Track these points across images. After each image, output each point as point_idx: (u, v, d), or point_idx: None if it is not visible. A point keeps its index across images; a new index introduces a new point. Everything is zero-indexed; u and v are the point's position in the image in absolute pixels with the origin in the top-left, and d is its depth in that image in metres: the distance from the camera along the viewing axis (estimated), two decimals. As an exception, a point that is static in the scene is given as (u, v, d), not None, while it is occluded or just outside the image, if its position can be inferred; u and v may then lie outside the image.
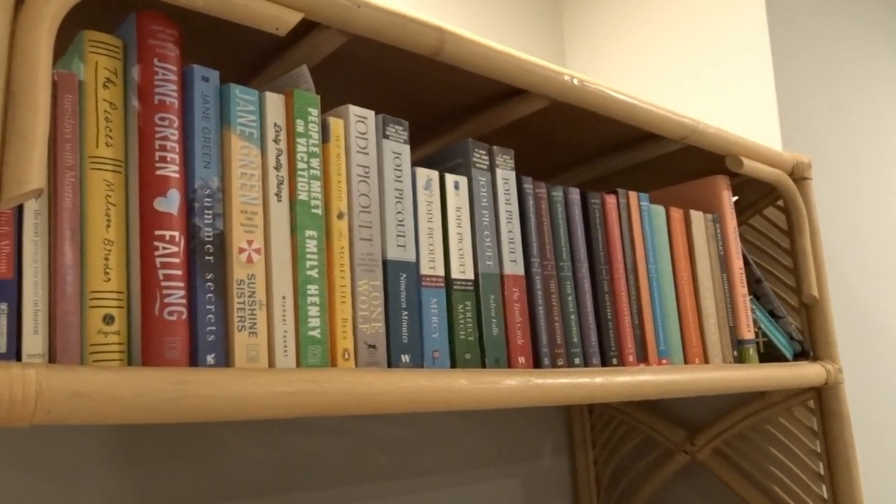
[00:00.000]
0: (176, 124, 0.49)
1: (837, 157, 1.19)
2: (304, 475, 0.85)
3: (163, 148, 0.48)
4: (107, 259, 0.46)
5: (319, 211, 0.55)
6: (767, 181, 0.93)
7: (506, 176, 0.69)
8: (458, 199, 0.65)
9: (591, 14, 1.36)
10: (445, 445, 0.99)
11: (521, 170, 0.96)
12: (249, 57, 0.63)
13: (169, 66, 0.49)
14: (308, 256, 0.53)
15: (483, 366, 0.63)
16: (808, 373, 0.88)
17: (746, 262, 0.95)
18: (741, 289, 0.89)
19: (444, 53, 0.62)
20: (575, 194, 0.75)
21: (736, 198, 1.05)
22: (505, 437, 1.07)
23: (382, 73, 0.68)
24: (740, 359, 0.87)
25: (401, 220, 0.60)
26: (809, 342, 0.95)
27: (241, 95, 0.52)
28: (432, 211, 0.63)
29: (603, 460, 1.14)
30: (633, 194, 0.81)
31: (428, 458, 0.97)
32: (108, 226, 0.46)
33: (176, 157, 0.48)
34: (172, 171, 0.48)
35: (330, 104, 0.72)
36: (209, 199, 0.50)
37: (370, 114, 0.59)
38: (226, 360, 0.49)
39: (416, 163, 0.68)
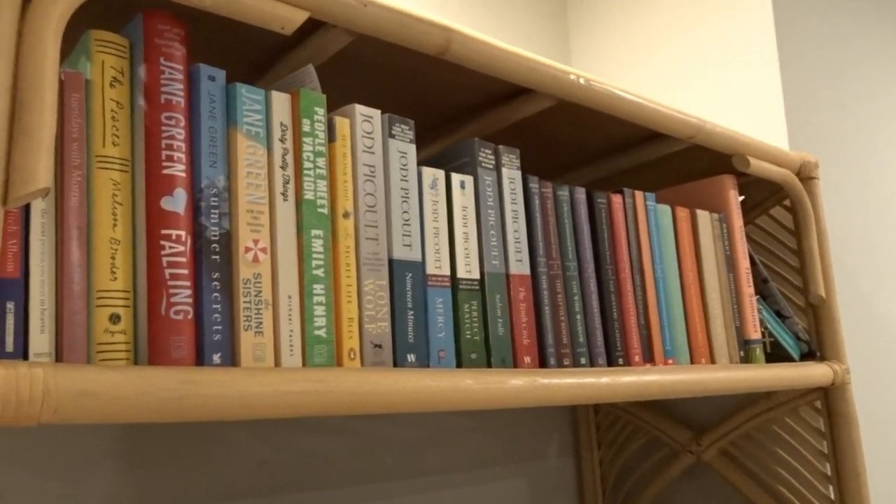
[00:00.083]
0: (182, 123, 0.49)
1: (844, 157, 1.19)
2: (309, 475, 0.85)
3: (169, 147, 0.48)
4: (113, 258, 0.46)
5: (325, 210, 0.55)
6: (774, 181, 0.92)
7: (512, 175, 0.69)
8: (464, 199, 0.65)
9: (597, 14, 1.35)
10: (451, 445, 0.99)
11: (526, 169, 0.95)
12: (256, 56, 0.63)
13: (175, 66, 0.49)
14: (314, 256, 0.53)
15: (489, 365, 0.63)
16: (814, 373, 0.88)
17: (753, 262, 0.94)
18: (748, 289, 0.88)
19: (450, 53, 0.61)
20: (581, 194, 0.75)
21: (742, 197, 1.05)
22: (510, 437, 1.07)
23: (388, 72, 0.67)
24: (747, 359, 0.86)
25: (407, 220, 0.60)
26: (816, 342, 0.95)
27: (248, 95, 0.52)
28: (438, 210, 0.62)
29: (608, 460, 1.14)
30: (639, 194, 0.81)
31: (433, 457, 0.97)
32: (115, 225, 0.46)
33: (182, 156, 0.48)
34: (179, 170, 0.48)
35: (336, 103, 0.72)
36: (215, 199, 0.50)
37: (376, 113, 0.59)
38: (232, 359, 0.49)
39: (422, 162, 0.68)
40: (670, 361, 0.79)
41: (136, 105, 0.49)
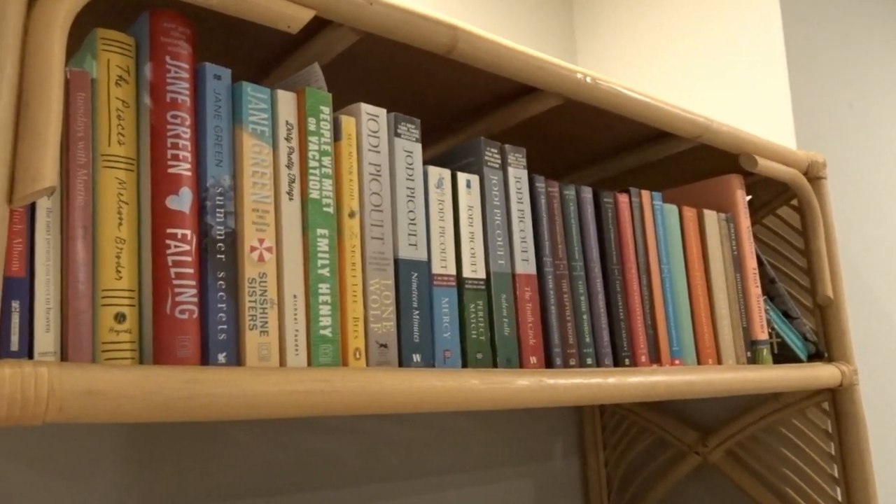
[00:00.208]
0: (188, 122, 0.49)
1: (853, 156, 1.18)
2: (313, 474, 0.85)
3: (175, 146, 0.48)
4: (119, 257, 0.46)
5: (331, 209, 0.54)
6: (782, 180, 0.92)
7: (518, 175, 0.68)
8: (469, 198, 0.64)
9: (603, 13, 1.35)
10: (456, 445, 0.99)
11: (533, 168, 0.95)
12: (261, 55, 0.63)
13: (181, 64, 0.49)
14: (319, 255, 0.53)
15: (494, 365, 0.62)
16: (822, 374, 0.87)
17: (760, 263, 0.94)
18: (755, 289, 0.88)
19: (456, 51, 0.61)
20: (587, 193, 0.75)
21: (750, 197, 1.05)
22: (516, 438, 1.07)
23: (394, 71, 0.67)
24: (754, 360, 0.86)
25: (412, 219, 0.59)
26: (824, 343, 0.94)
27: (253, 93, 0.52)
28: (444, 210, 0.62)
29: (614, 461, 1.13)
30: (645, 193, 0.80)
31: (438, 458, 0.97)
32: (121, 224, 0.46)
33: (188, 155, 0.48)
34: (184, 169, 0.48)
35: (342, 102, 0.71)
36: (221, 198, 0.49)
37: (382, 112, 0.59)
38: (237, 358, 0.48)
39: (427, 161, 0.68)
40: (677, 362, 0.78)
41: (141, 104, 0.49)
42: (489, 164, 0.67)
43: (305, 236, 0.53)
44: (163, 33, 0.49)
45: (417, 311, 0.58)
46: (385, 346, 0.55)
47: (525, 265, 0.67)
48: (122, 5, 0.54)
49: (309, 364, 0.51)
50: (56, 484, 0.68)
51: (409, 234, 0.59)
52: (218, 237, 0.49)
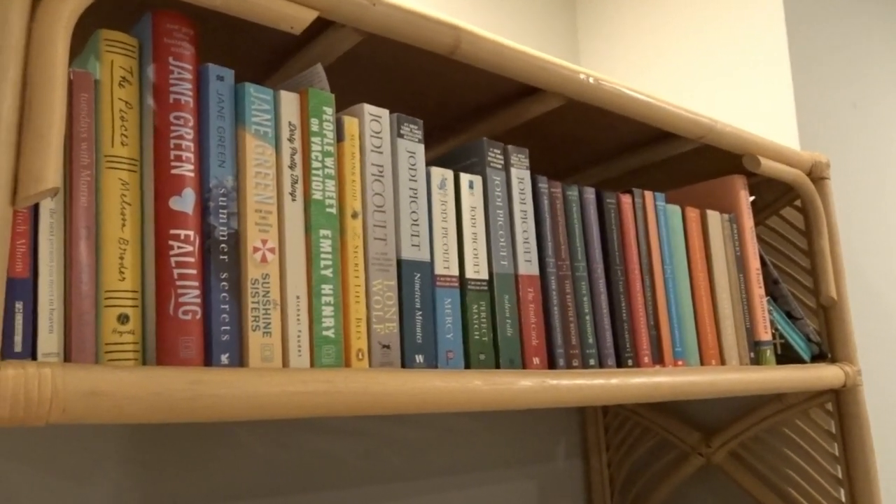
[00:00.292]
0: (191, 123, 0.49)
1: (856, 157, 1.18)
2: (316, 475, 0.85)
3: (178, 147, 0.48)
4: (122, 258, 0.46)
5: (334, 210, 0.54)
6: (785, 181, 0.92)
7: (521, 175, 0.68)
8: (472, 199, 0.64)
9: (606, 13, 1.35)
10: (458, 446, 0.99)
11: (535, 169, 0.95)
12: (264, 56, 0.63)
13: (184, 65, 0.49)
14: (322, 256, 0.53)
15: (497, 366, 0.62)
16: (825, 375, 0.87)
17: (763, 263, 0.94)
18: (758, 290, 0.88)
19: (459, 52, 0.61)
20: (590, 194, 0.74)
21: (753, 198, 1.04)
22: (518, 439, 1.06)
23: (397, 71, 0.67)
24: (757, 360, 0.86)
25: (415, 220, 0.59)
26: (827, 344, 0.94)
27: (256, 94, 0.52)
28: (447, 210, 0.62)
29: (617, 462, 1.13)
30: (648, 194, 0.80)
31: (441, 459, 0.97)
32: (124, 225, 0.46)
33: (191, 156, 0.48)
34: (187, 170, 0.48)
35: (344, 103, 0.71)
36: (224, 199, 0.49)
37: (385, 113, 0.59)
38: (240, 359, 0.48)
39: (430, 162, 0.68)
40: (680, 363, 0.78)
41: (144, 105, 0.49)
42: (492, 164, 0.67)
43: (308, 237, 0.53)
44: (166, 34, 0.49)
45: (420, 312, 0.58)
46: (388, 346, 0.55)
47: (528, 266, 0.67)
48: (125, 6, 0.54)
49: (312, 365, 0.51)
50: (59, 484, 0.68)
51: (412, 235, 0.59)
52: (221, 238, 0.49)
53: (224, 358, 0.47)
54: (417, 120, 0.61)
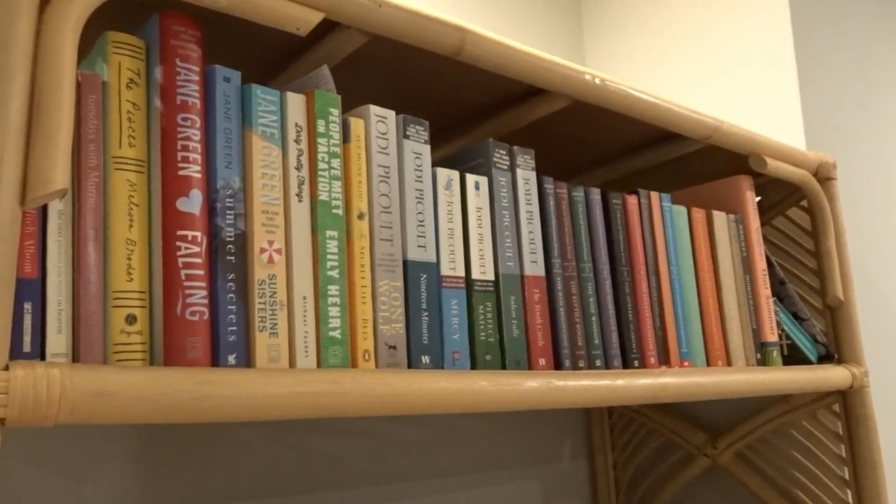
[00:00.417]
0: (198, 124, 0.49)
1: (863, 157, 1.17)
2: (322, 476, 0.85)
3: (185, 148, 0.48)
4: (129, 259, 0.46)
5: (340, 211, 0.55)
6: (791, 181, 0.91)
7: (526, 176, 0.68)
8: (478, 200, 0.64)
9: (611, 13, 1.35)
10: (464, 447, 0.99)
11: (541, 170, 0.95)
12: (270, 57, 0.63)
13: (191, 67, 0.49)
14: (329, 257, 0.53)
15: (503, 367, 0.62)
16: (832, 376, 0.87)
17: (770, 264, 0.93)
18: (764, 290, 0.87)
19: (464, 53, 0.61)
20: (596, 194, 0.74)
21: (759, 198, 1.04)
22: (524, 440, 1.06)
23: (403, 72, 0.67)
24: (763, 361, 0.85)
25: (421, 221, 0.59)
26: (834, 345, 0.94)
27: (263, 96, 0.52)
28: (453, 211, 0.62)
29: (622, 463, 1.13)
30: (654, 194, 0.80)
31: (446, 459, 0.97)
32: (131, 226, 0.46)
33: (198, 157, 0.49)
34: (194, 171, 0.48)
35: (350, 104, 0.72)
36: (231, 200, 0.50)
37: (391, 114, 0.59)
38: (247, 360, 0.49)
39: (436, 163, 0.68)
40: (686, 364, 0.78)
41: (152, 106, 0.49)
42: (498, 165, 0.67)
43: (315, 238, 0.53)
44: (173, 36, 0.49)
45: (426, 313, 0.58)
46: (394, 347, 0.55)
47: (534, 267, 0.67)
48: (132, 8, 0.54)
49: (318, 365, 0.51)
50: (65, 484, 0.69)
51: (418, 236, 0.59)
52: (228, 239, 0.49)
53: (231, 358, 0.48)
54: (423, 121, 0.61)
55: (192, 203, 0.48)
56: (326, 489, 0.85)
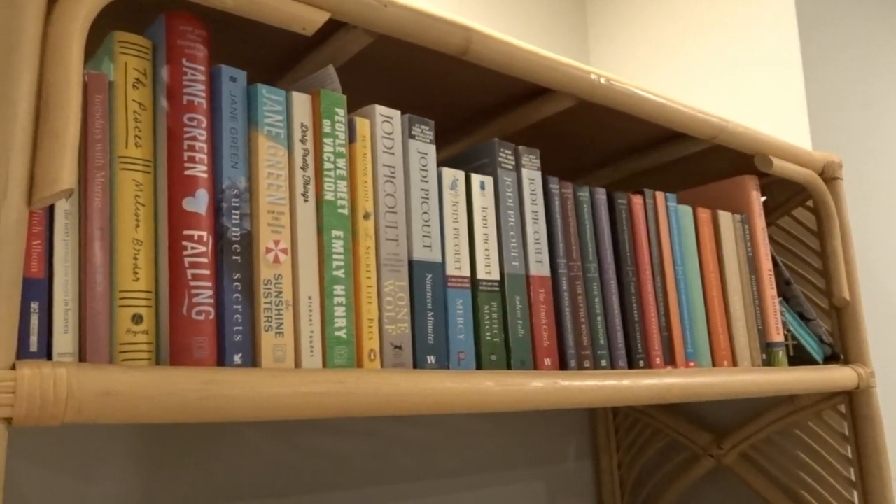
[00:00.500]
0: (204, 124, 0.49)
1: (869, 157, 1.17)
2: (327, 476, 0.85)
3: (191, 148, 0.48)
4: (136, 259, 0.46)
5: (346, 211, 0.55)
6: (797, 181, 0.91)
7: (532, 176, 0.68)
8: (483, 200, 0.64)
9: (616, 12, 1.34)
10: (469, 447, 0.99)
11: (546, 170, 0.95)
12: (276, 57, 0.63)
13: (197, 67, 0.49)
14: (334, 256, 0.53)
15: (509, 367, 0.62)
16: (838, 376, 0.86)
17: (775, 264, 0.93)
18: (770, 290, 0.87)
19: (470, 53, 0.61)
20: (601, 194, 0.74)
21: (764, 198, 1.04)
22: (529, 440, 1.06)
23: (408, 72, 0.67)
24: (769, 362, 0.85)
25: (427, 221, 0.59)
26: (840, 345, 0.94)
27: (269, 95, 0.52)
28: (458, 211, 0.62)
29: (627, 464, 1.13)
30: (659, 194, 0.80)
31: (451, 459, 0.97)
32: (138, 226, 0.46)
33: (204, 157, 0.49)
34: (201, 171, 0.48)
35: (356, 104, 0.72)
36: (237, 199, 0.50)
37: (396, 114, 0.59)
38: (252, 360, 0.49)
39: (441, 163, 0.68)
40: (691, 364, 0.78)
41: (158, 106, 0.49)
42: (503, 165, 0.66)
43: (320, 238, 0.53)
44: (179, 36, 0.49)
45: (432, 313, 0.58)
46: (399, 347, 0.55)
47: (539, 267, 0.67)
48: (138, 8, 0.54)
49: (324, 365, 0.51)
50: (70, 483, 0.69)
51: (424, 236, 0.59)
52: (234, 238, 0.49)
53: (237, 358, 0.48)
54: (429, 121, 0.61)
55: (199, 203, 0.48)
56: (331, 489, 0.85)
